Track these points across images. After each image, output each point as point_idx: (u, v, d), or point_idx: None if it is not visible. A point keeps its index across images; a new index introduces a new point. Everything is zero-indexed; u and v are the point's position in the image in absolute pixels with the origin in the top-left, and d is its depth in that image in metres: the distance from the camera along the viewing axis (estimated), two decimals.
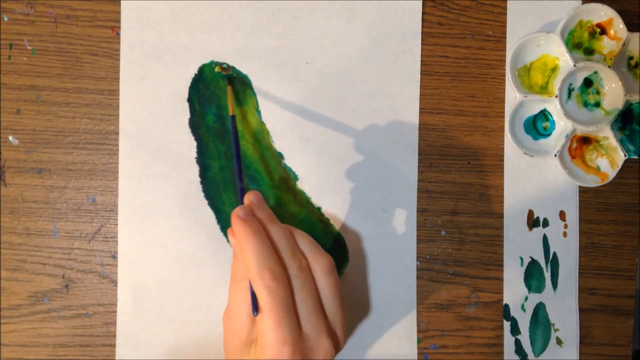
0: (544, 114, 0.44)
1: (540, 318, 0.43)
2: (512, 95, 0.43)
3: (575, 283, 0.44)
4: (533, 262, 0.44)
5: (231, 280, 0.35)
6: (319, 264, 0.34)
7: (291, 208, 0.42)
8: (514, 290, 0.43)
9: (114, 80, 0.42)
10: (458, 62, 0.43)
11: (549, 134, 0.44)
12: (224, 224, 0.42)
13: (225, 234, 0.42)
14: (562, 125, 0.43)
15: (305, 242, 0.35)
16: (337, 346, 0.34)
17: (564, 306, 0.44)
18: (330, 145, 0.42)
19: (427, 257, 0.43)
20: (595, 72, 0.42)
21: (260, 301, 0.32)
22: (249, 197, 0.35)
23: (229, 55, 0.42)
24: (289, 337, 0.31)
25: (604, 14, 0.42)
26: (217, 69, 0.42)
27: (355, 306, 0.42)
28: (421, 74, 0.43)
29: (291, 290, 0.32)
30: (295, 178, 0.42)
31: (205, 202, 0.42)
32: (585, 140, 0.43)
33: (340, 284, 0.35)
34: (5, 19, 0.41)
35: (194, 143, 0.42)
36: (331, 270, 0.34)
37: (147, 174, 0.42)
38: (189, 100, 0.42)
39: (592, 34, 0.43)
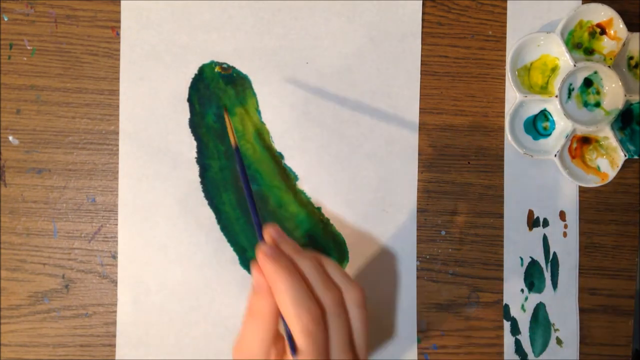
0: (544, 114, 0.44)
1: (540, 318, 0.43)
2: (512, 95, 0.43)
3: (575, 283, 0.44)
4: (533, 262, 0.44)
5: (247, 315, 0.33)
6: (352, 296, 0.33)
7: (291, 208, 0.42)
8: (514, 290, 0.43)
9: (114, 80, 0.42)
10: (458, 62, 0.43)
11: (549, 134, 0.44)
12: (224, 224, 0.42)
13: (225, 234, 0.42)
14: (562, 125, 0.43)
15: (335, 271, 0.34)
16: None
17: (564, 306, 0.44)
18: (330, 145, 0.42)
19: (427, 257, 0.43)
20: (595, 72, 0.42)
21: (297, 342, 0.31)
22: (270, 232, 0.34)
23: (229, 55, 0.42)
24: None
25: (604, 14, 0.42)
26: (217, 69, 0.42)
27: None
28: (421, 74, 0.43)
29: (325, 326, 0.32)
30: (295, 178, 0.42)
31: (205, 202, 0.42)
32: (585, 140, 0.44)
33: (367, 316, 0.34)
34: (5, 19, 0.41)
35: (194, 143, 0.42)
36: (363, 303, 0.33)
37: (147, 174, 0.42)
38: (189, 100, 0.42)
39: (592, 34, 0.43)
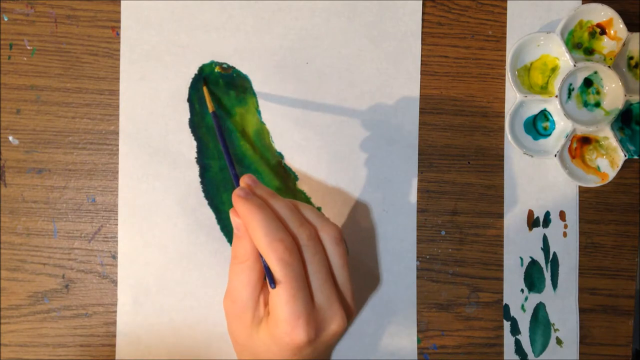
0: (544, 114, 0.44)
1: (540, 318, 0.43)
2: (512, 95, 0.43)
3: (575, 283, 0.44)
4: (533, 262, 0.44)
5: (232, 262, 0.34)
6: (328, 232, 0.34)
7: None
8: (514, 290, 0.43)
9: (114, 80, 0.42)
10: (458, 62, 0.43)
11: (549, 134, 0.44)
12: (224, 224, 0.42)
13: (225, 234, 0.42)
14: (562, 125, 0.43)
15: (310, 212, 0.34)
16: (349, 315, 0.34)
17: (564, 306, 0.44)
18: (330, 145, 0.42)
19: (427, 257, 0.43)
20: (595, 72, 0.42)
21: (275, 274, 0.31)
22: (245, 180, 0.35)
23: (229, 55, 0.42)
24: (303, 310, 0.31)
25: (604, 14, 0.42)
26: (217, 69, 0.42)
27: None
28: (421, 74, 0.43)
29: (302, 261, 0.32)
30: (295, 178, 0.42)
31: (205, 202, 0.42)
32: (585, 140, 0.44)
33: (347, 253, 0.34)
34: (5, 19, 0.41)
35: (194, 143, 0.42)
36: (340, 238, 0.34)
37: (147, 174, 0.42)
38: (189, 100, 0.42)
39: (592, 34, 0.43)
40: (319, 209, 0.42)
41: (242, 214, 0.32)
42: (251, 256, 0.33)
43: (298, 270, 0.31)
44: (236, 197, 0.33)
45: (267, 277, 0.32)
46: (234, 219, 0.34)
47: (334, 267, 0.33)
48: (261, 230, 0.31)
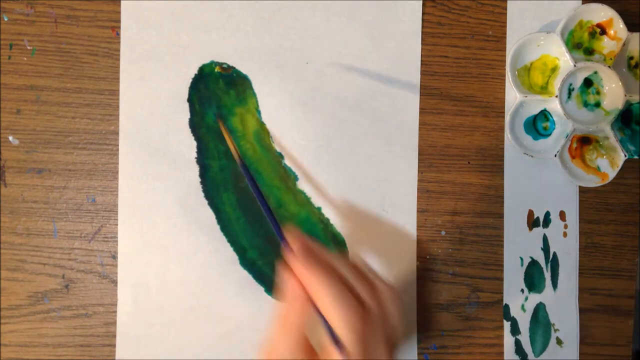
0: (544, 114, 0.44)
1: (540, 318, 0.43)
2: (512, 95, 0.43)
3: (575, 283, 0.44)
4: (533, 262, 0.44)
5: (280, 325, 0.33)
6: (387, 293, 0.33)
7: (291, 208, 0.42)
8: (514, 290, 0.43)
9: (114, 80, 0.42)
10: (458, 62, 0.43)
11: (549, 134, 0.44)
12: (224, 224, 0.42)
13: (225, 234, 0.42)
14: (562, 125, 0.43)
15: (367, 269, 0.34)
16: None
17: (564, 306, 0.44)
18: (330, 145, 0.42)
19: (427, 257, 0.43)
20: (595, 72, 0.42)
21: (347, 344, 0.31)
22: (299, 242, 0.33)
23: (229, 55, 0.42)
24: None
25: (604, 14, 0.42)
26: (217, 69, 0.42)
27: None
28: (421, 73, 0.43)
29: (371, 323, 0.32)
30: (295, 178, 0.42)
31: (205, 202, 0.42)
32: (585, 140, 0.44)
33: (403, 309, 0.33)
34: (5, 19, 0.41)
35: (194, 143, 0.42)
36: (399, 299, 0.34)
37: (147, 174, 0.42)
38: (189, 100, 0.42)
39: (592, 34, 0.43)
40: (319, 209, 0.42)
41: (308, 282, 0.32)
42: (302, 325, 0.32)
43: (365, 335, 0.31)
44: (299, 262, 0.32)
45: (334, 342, 0.31)
46: (292, 285, 0.32)
47: (391, 327, 0.33)
48: (332, 299, 0.31)
